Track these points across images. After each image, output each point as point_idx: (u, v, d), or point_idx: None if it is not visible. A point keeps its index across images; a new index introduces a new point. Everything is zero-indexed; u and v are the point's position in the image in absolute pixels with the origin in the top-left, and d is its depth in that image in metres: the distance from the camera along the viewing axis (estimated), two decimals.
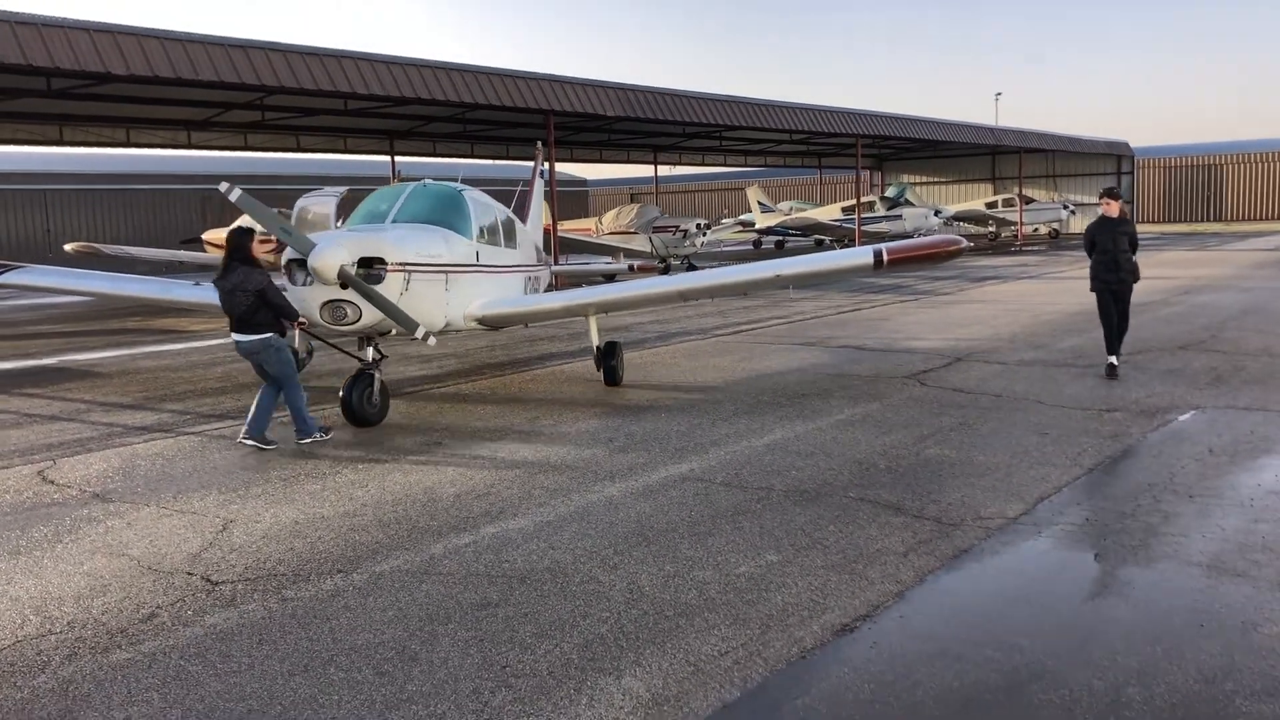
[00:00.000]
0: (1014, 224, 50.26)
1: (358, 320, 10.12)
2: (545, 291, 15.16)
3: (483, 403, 12.13)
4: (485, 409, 11.69)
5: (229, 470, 9.11)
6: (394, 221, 11.33)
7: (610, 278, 21.96)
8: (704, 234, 33.30)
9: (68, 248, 30.12)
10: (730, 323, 19.83)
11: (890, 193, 49.94)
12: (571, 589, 5.97)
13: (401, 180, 13.12)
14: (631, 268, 25.98)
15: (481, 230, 12.23)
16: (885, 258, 10.86)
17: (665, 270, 34.81)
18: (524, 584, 6.07)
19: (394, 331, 10.74)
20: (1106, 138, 56.24)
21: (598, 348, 12.73)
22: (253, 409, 9.92)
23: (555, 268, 19.22)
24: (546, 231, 22.04)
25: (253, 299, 9.53)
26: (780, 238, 50.03)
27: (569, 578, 6.16)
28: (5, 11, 16.64)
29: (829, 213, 46.19)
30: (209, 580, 6.29)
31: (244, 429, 9.91)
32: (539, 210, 18.29)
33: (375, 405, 10.62)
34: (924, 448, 9.19)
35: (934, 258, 11.30)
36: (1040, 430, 9.70)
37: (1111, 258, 12.07)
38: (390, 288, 10.21)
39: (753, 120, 33.08)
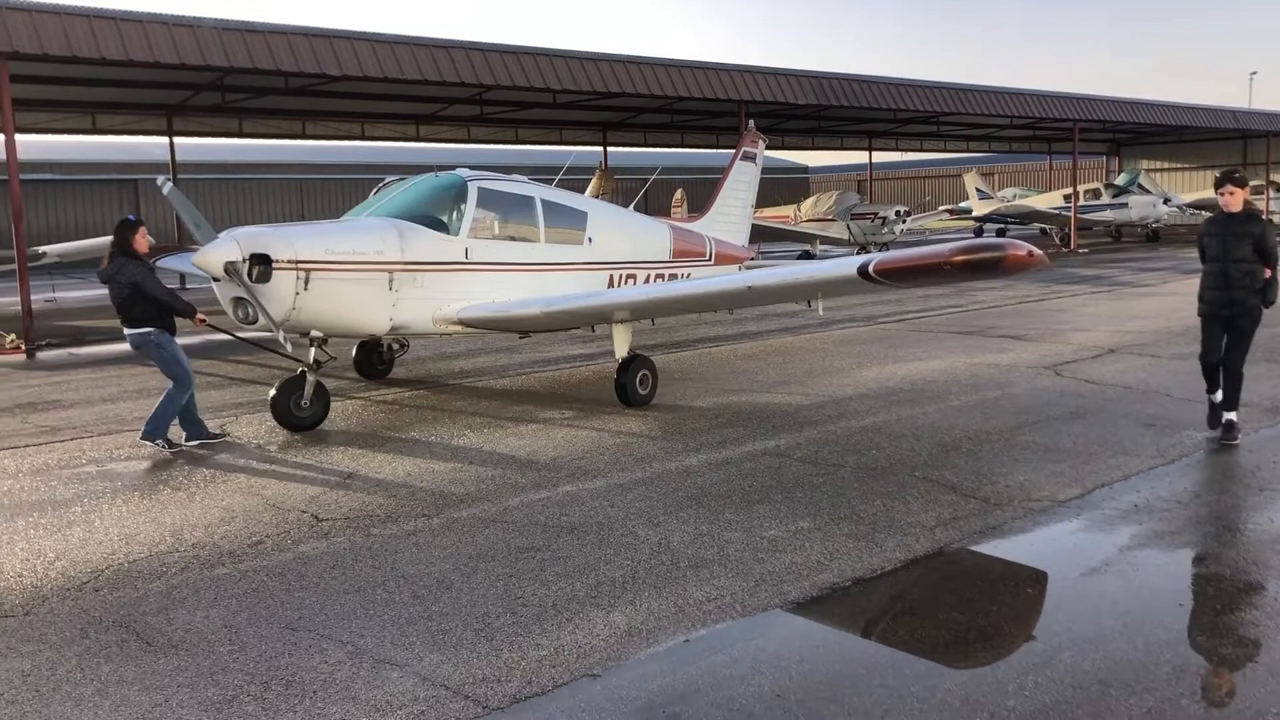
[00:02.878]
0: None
1: (259, 318, 9.87)
2: None
3: (610, 378, 12.93)
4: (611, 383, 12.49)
5: (375, 429, 10.32)
6: (372, 214, 11.15)
7: None
8: (903, 221, 33.00)
9: None
10: (902, 310, 19.89)
11: (1120, 179, 47.53)
12: (610, 540, 6.67)
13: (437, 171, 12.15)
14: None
15: (487, 225, 11.52)
16: (873, 269, 8.61)
17: None
18: (571, 534, 6.82)
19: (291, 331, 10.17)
20: None
21: (620, 359, 11.24)
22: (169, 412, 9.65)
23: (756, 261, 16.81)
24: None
25: (128, 291, 9.32)
26: (1001, 225, 48.61)
27: (612, 531, 6.86)
28: (237, 21, 18.74)
29: (1049, 200, 44.45)
30: (316, 517, 7.36)
31: (182, 435, 9.71)
32: (733, 197, 16.81)
33: (305, 410, 10.22)
34: (1018, 434, 9.32)
35: (936, 270, 8.35)
36: (1148, 422, 9.62)
37: (1222, 270, 8.66)
38: (281, 286, 9.70)
39: (962, 106, 32.45)
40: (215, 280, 9.82)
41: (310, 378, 10.25)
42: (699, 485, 7.92)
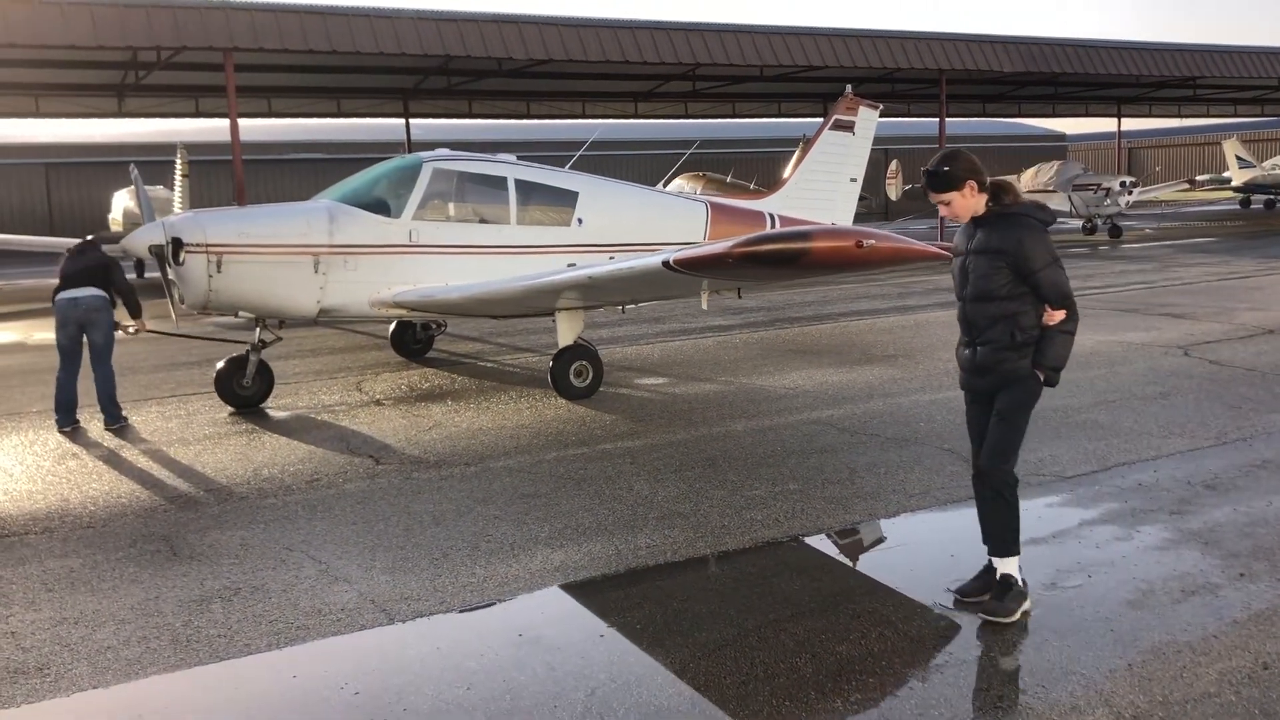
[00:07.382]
0: None
1: (185, 299, 10.36)
2: None
3: (729, 349, 13.41)
4: (725, 354, 12.97)
5: (481, 390, 11.30)
6: (333, 198, 11.29)
7: None
8: (1129, 192, 31.17)
9: None
10: (1084, 286, 19.16)
11: None
12: (605, 493, 7.27)
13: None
14: None
15: (440, 207, 11.55)
16: (673, 262, 8.51)
17: (1091, 231, 33.16)
18: (575, 485, 7.47)
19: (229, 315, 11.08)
20: None
21: (560, 347, 10.84)
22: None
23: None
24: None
25: (100, 273, 10.01)
26: (1270, 196, 44.85)
27: (612, 484, 7.46)
28: (432, 11, 20.29)
29: None
30: (376, 461, 8.35)
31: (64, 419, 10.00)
32: (820, 171, 15.32)
33: (248, 388, 10.65)
34: (1085, 413, 9.18)
35: (720, 264, 8.05)
36: (1234, 405, 9.22)
37: (961, 314, 5.26)
38: (193, 269, 10.09)
39: (1213, 69, 30.29)
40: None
41: (253, 358, 10.67)
42: (724, 448, 8.38)
